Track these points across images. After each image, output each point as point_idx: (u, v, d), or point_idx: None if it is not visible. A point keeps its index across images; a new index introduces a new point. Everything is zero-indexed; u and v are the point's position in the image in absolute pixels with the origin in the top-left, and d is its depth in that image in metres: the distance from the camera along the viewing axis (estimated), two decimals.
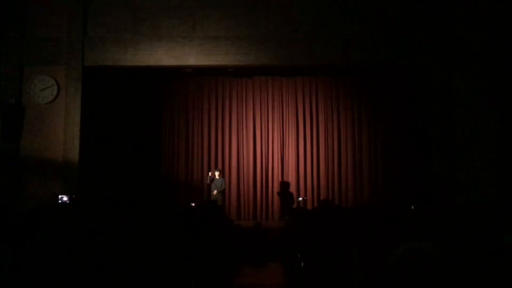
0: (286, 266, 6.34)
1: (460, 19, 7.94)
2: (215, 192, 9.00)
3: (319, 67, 9.08)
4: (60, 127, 7.96)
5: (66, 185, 7.70)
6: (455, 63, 7.98)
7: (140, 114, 9.59)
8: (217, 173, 9.14)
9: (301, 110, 10.08)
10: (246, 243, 7.46)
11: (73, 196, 7.14)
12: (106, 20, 8.17)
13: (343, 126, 10.01)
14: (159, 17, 8.17)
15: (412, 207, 6.61)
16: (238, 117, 10.05)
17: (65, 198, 7.05)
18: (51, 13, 8.13)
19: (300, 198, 8.97)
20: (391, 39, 8.11)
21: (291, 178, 9.86)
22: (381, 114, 9.89)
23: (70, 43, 8.05)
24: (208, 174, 9.29)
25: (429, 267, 1.47)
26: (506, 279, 1.53)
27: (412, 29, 8.10)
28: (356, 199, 9.69)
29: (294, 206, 9.02)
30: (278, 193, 9.71)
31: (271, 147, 9.97)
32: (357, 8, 8.20)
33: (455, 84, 7.98)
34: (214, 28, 8.16)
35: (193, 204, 7.20)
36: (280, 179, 9.86)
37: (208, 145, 9.99)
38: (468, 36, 7.88)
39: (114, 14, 8.18)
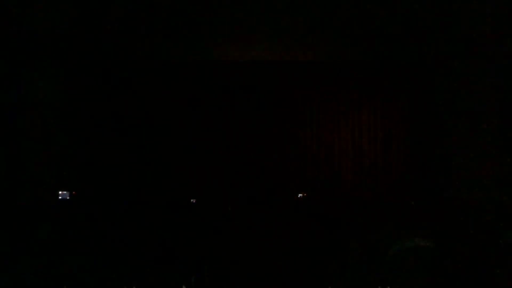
0: (288, 262, 6.34)
1: (461, 17, 7.94)
2: None
3: (320, 64, 9.13)
4: None
5: (66, 181, 7.70)
6: (455, 60, 8.00)
7: (141, 109, 9.51)
8: None
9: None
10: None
11: (74, 192, 7.14)
12: None
13: (343, 122, 10.01)
14: None
15: (412, 203, 6.62)
16: None
17: (65, 195, 7.05)
18: None
19: (300, 195, 8.95)
20: (392, 37, 8.12)
21: None
22: (382, 109, 9.89)
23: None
24: None
25: (427, 263, 1.47)
26: (506, 276, 1.54)
27: (413, 27, 8.11)
28: (356, 195, 9.69)
29: None
30: None
31: None
32: (358, 6, 8.21)
33: (456, 80, 7.99)
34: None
35: (193, 201, 7.21)
36: None
37: None
38: (468, 33, 7.89)
39: None
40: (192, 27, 7.94)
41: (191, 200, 7.40)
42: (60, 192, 7.06)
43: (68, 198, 7.00)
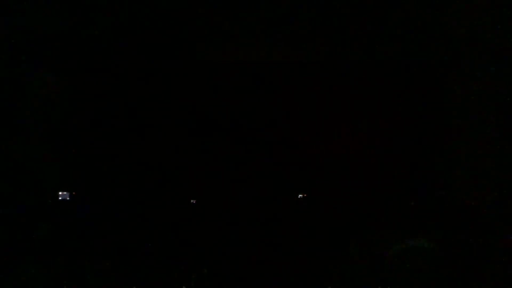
0: (287, 261, 6.34)
1: (460, 18, 7.95)
2: None
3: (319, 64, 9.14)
4: None
5: (66, 181, 7.69)
6: (455, 60, 7.99)
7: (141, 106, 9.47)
8: None
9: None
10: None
11: (74, 193, 7.13)
12: None
13: (343, 123, 10.00)
14: None
15: (412, 204, 6.62)
16: None
17: (65, 195, 7.03)
18: None
19: (301, 195, 8.95)
20: (392, 37, 8.14)
21: None
22: (382, 110, 9.87)
23: None
24: None
25: (427, 264, 1.47)
26: (506, 277, 1.53)
27: (412, 27, 8.12)
28: (356, 195, 9.68)
29: None
30: None
31: None
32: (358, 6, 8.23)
33: (456, 80, 8.00)
34: None
35: (193, 201, 7.21)
36: None
37: None
38: (468, 33, 7.89)
39: None
40: (192, 30, 7.97)
41: (191, 200, 7.40)
42: (60, 193, 7.05)
43: (68, 198, 6.99)
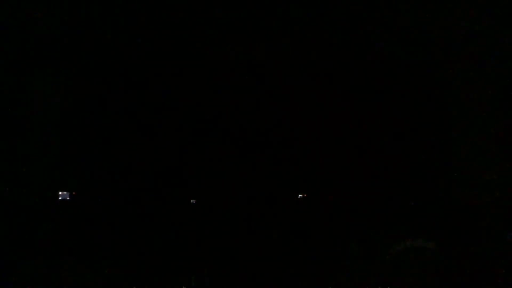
0: (287, 261, 6.34)
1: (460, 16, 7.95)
2: None
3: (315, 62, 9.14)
4: None
5: (66, 180, 7.68)
6: (455, 59, 8.00)
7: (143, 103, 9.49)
8: None
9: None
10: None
11: (74, 192, 7.13)
12: None
13: (343, 122, 10.00)
14: None
15: (412, 204, 6.62)
16: None
17: (65, 195, 7.03)
18: None
19: (300, 195, 8.95)
20: (391, 36, 8.14)
21: None
22: (383, 109, 9.87)
23: None
24: None
25: (427, 264, 1.47)
26: (506, 277, 1.53)
27: (412, 26, 8.12)
28: (356, 195, 9.68)
29: None
30: None
31: None
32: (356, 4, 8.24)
33: (456, 79, 8.00)
34: None
35: (193, 201, 7.21)
36: None
37: None
38: (465, 33, 7.89)
39: None
40: (192, 30, 7.96)
41: (191, 200, 7.40)
42: (60, 192, 7.05)
43: (68, 198, 6.99)
